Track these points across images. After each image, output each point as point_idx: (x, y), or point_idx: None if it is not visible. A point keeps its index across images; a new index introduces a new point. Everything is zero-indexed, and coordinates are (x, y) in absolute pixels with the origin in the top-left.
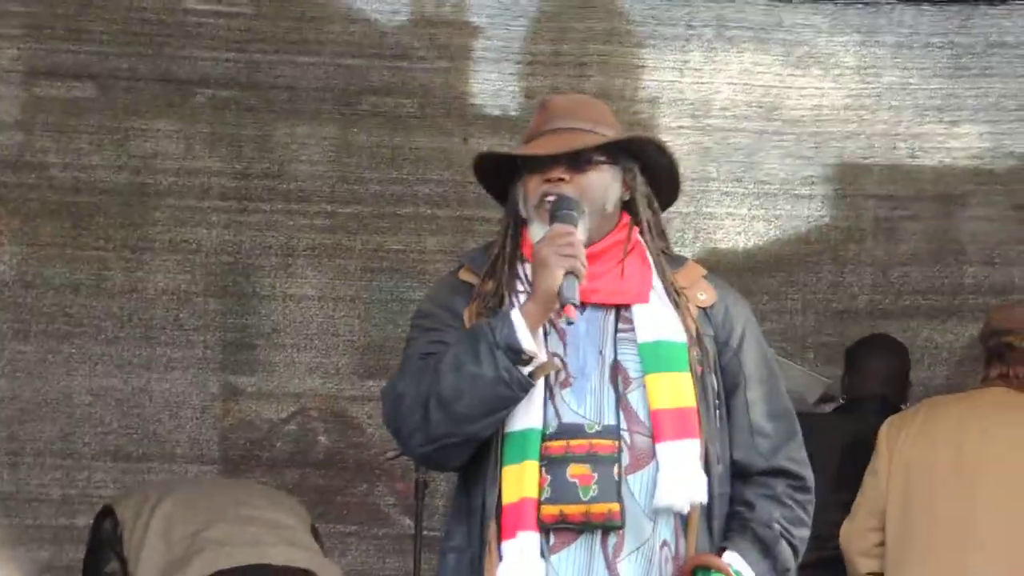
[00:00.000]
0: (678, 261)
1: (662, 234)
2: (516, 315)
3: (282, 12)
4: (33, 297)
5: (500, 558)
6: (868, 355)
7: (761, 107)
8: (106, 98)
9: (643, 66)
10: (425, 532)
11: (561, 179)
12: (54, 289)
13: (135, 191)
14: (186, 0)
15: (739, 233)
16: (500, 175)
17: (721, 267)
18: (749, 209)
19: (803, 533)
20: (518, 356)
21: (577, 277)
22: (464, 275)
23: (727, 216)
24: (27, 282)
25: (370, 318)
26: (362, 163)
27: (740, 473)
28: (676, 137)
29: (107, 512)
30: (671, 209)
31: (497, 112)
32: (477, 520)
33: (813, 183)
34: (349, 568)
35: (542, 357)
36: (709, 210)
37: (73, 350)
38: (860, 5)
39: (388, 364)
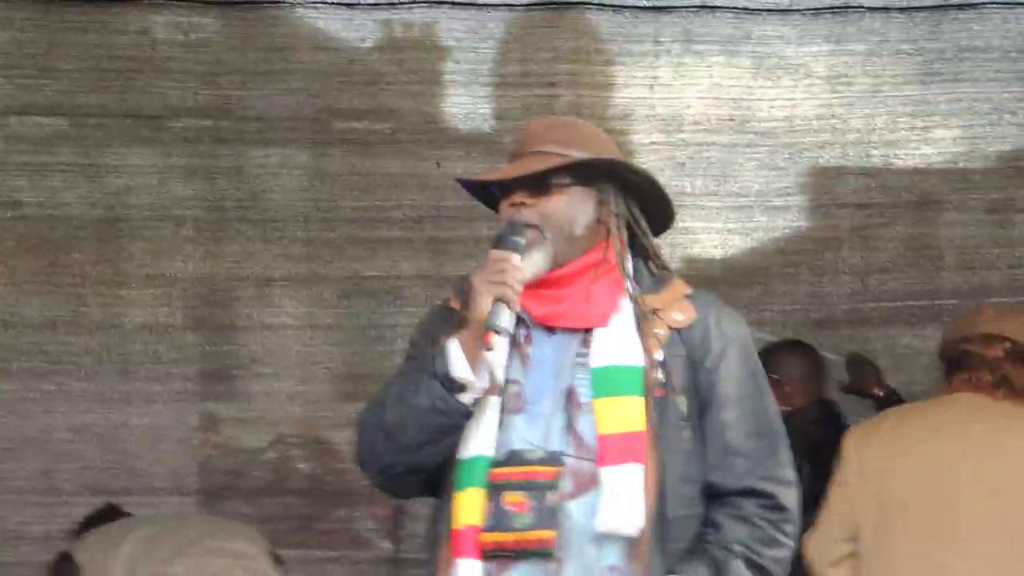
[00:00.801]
0: (660, 281)
1: (653, 255)
2: (453, 344)
3: (250, 43)
4: (12, 335)
5: None
6: None
7: (733, 120)
8: (78, 134)
9: (613, 83)
10: (405, 555)
11: (523, 203)
12: (32, 327)
13: (109, 226)
14: (155, 33)
15: (716, 246)
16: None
17: (699, 281)
18: (725, 222)
19: (776, 553)
20: (453, 385)
21: (508, 304)
22: (452, 301)
23: (703, 230)
24: (5, 320)
25: (348, 345)
26: (335, 190)
27: (713, 494)
28: (649, 153)
29: (65, 557)
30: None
31: (468, 134)
32: (437, 546)
33: (788, 194)
34: None
35: (480, 385)
36: (685, 224)
37: (52, 387)
38: (828, 15)
39: (367, 390)
